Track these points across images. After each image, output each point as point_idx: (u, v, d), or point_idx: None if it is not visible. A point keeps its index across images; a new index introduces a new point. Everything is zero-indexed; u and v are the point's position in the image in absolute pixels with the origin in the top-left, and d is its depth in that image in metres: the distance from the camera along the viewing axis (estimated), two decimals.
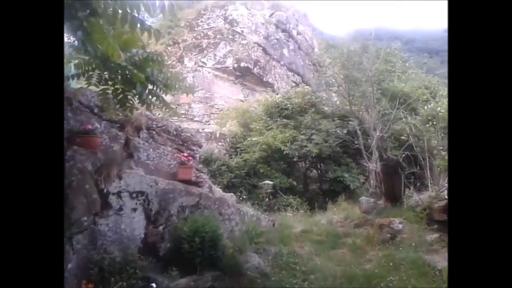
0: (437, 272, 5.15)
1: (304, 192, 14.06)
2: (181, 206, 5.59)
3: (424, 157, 10.46)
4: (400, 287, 4.97)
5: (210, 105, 20.13)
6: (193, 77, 19.94)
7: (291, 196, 12.81)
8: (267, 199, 12.03)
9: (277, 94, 18.25)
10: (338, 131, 13.86)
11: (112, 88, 4.76)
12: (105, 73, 4.61)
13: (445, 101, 12.13)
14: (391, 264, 5.71)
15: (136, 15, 3.61)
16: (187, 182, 5.99)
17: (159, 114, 9.13)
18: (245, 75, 20.77)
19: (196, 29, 22.44)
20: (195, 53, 21.16)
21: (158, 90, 4.86)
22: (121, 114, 5.44)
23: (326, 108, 15.99)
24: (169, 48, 21.77)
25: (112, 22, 3.91)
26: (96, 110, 5.44)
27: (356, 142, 12.68)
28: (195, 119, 19.56)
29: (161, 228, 5.29)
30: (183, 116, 19.03)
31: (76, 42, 4.09)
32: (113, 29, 4.05)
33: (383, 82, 14.59)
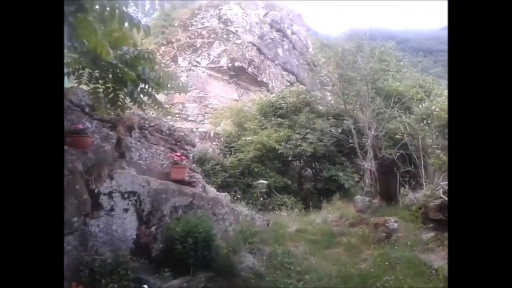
0: (434, 271, 5.09)
1: (298, 191, 14.05)
2: (174, 206, 5.51)
3: (418, 156, 10.44)
4: (396, 287, 4.92)
5: (204, 105, 20.06)
6: (187, 76, 19.86)
7: (285, 196, 12.79)
8: (261, 199, 12.00)
9: (271, 93, 18.23)
10: (332, 130, 13.83)
11: (103, 87, 4.68)
12: (96, 71, 4.54)
13: (440, 99, 12.14)
14: (386, 263, 5.66)
15: (125, 9, 3.53)
16: (180, 182, 5.91)
17: (152, 114, 9.05)
18: (239, 74, 20.73)
19: (190, 28, 22.36)
20: (189, 53, 21.08)
21: (150, 89, 4.79)
22: (112, 113, 5.36)
23: (320, 107, 15.96)
24: (163, 47, 21.66)
25: (102, 20, 3.83)
26: (87, 110, 5.33)
27: (350, 141, 12.65)
28: (189, 118, 19.48)
29: (153, 228, 5.20)
30: (177, 115, 18.95)
31: None
32: (104, 27, 3.98)
33: (378, 81, 14.56)
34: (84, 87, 4.92)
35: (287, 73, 23.81)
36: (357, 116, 14.26)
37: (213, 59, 20.55)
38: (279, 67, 23.26)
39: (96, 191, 4.73)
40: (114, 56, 3.96)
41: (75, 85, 4.83)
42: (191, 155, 6.79)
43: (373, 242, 6.88)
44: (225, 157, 14.24)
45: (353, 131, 12.54)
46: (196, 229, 4.91)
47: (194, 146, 7.03)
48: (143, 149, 5.87)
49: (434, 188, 7.64)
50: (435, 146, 9.87)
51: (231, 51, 20.48)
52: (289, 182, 13.74)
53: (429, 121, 11.00)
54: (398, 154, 11.20)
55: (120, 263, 4.39)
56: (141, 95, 4.71)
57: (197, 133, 16.55)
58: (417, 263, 5.44)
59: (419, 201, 7.49)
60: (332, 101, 16.73)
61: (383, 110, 12.90)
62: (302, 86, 17.99)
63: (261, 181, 12.23)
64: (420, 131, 11.01)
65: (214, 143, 15.95)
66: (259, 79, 21.05)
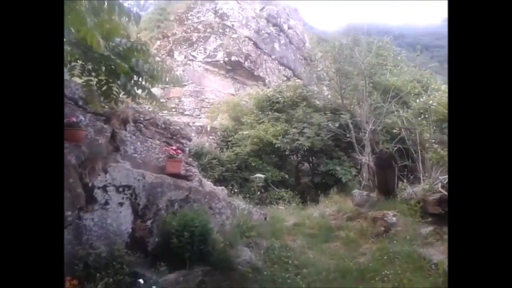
0: (433, 265, 5.04)
1: (296, 186, 14.02)
2: (169, 200, 5.44)
3: (416, 150, 10.42)
4: (395, 281, 4.87)
5: (201, 99, 19.94)
6: (183, 71, 19.70)
7: (283, 190, 12.78)
8: (258, 193, 11.96)
9: (268, 88, 18.12)
10: (330, 124, 13.82)
11: (96, 79, 4.59)
12: (89, 64, 4.44)
13: (437, 94, 12.12)
14: (385, 257, 5.61)
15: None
16: (176, 175, 5.83)
17: (148, 108, 8.96)
18: (236, 69, 20.62)
19: (186, 22, 22.18)
20: (185, 47, 20.93)
21: (144, 82, 4.69)
22: (106, 106, 5.27)
23: (317, 102, 15.92)
24: (159, 41, 21.51)
25: (94, 12, 3.74)
26: (80, 103, 5.23)
27: (348, 135, 12.63)
28: (186, 113, 19.37)
29: (149, 222, 5.13)
30: (173, 110, 18.85)
31: None
32: (96, 19, 3.88)
33: (375, 75, 14.55)
34: (77, 79, 4.82)
35: (283, 67, 23.71)
36: (354, 111, 14.24)
37: (209, 53, 20.42)
38: (276, 61, 23.16)
39: (90, 184, 4.65)
40: (106, 47, 3.87)
41: (68, 78, 4.73)
42: (187, 148, 6.70)
43: (371, 236, 6.84)
44: (222, 151, 14.16)
45: (350, 125, 12.53)
46: (192, 223, 4.84)
47: (190, 139, 6.94)
48: (138, 143, 5.78)
49: (433, 182, 7.60)
50: (433, 141, 9.85)
51: (227, 45, 20.35)
52: (287, 176, 13.69)
53: (426, 116, 11.01)
54: (395, 148, 11.19)
55: (115, 257, 4.33)
56: (135, 88, 4.60)
57: (194, 128, 16.46)
58: (416, 257, 5.38)
59: (417, 195, 7.44)
60: (329, 96, 16.70)
61: (380, 104, 12.88)
62: (299, 80, 17.88)
63: (258, 175, 12.18)
64: (417, 126, 11.00)
65: (210, 137, 15.87)
66: (255, 73, 20.95)
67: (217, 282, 4.84)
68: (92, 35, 3.42)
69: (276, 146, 13.40)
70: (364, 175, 10.60)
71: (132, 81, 4.57)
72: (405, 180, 9.64)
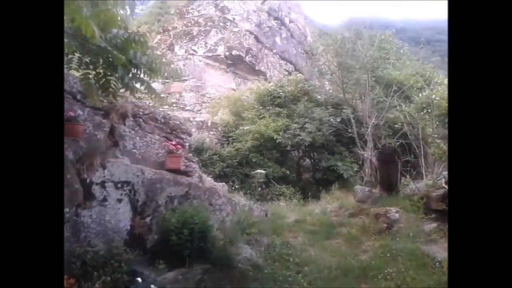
0: (437, 263, 4.94)
1: (297, 182, 13.93)
2: (169, 197, 5.35)
3: (418, 145, 10.32)
4: (398, 280, 4.78)
5: (202, 94, 19.79)
6: (183, 65, 19.54)
7: (284, 186, 12.71)
8: (259, 189, 11.88)
9: (269, 82, 17.99)
10: (331, 119, 13.71)
11: (94, 72, 4.48)
12: (86, 56, 4.34)
13: (440, 88, 12.01)
14: (388, 255, 5.53)
15: None
16: (176, 171, 5.73)
17: (149, 103, 8.86)
18: (237, 63, 20.46)
19: (186, 16, 21.99)
20: (186, 41, 20.76)
21: (142, 75, 4.58)
22: (105, 100, 5.18)
23: (319, 96, 15.81)
24: (159, 35, 21.36)
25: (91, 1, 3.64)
26: (79, 97, 5.14)
27: (349, 130, 12.53)
28: (187, 108, 19.24)
29: (148, 219, 5.05)
30: (174, 105, 18.74)
31: None
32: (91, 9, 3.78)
33: (377, 69, 14.44)
34: (75, 72, 4.72)
35: (285, 62, 23.52)
36: (356, 105, 14.14)
37: (210, 47, 20.25)
38: (277, 56, 22.98)
39: (88, 180, 4.56)
40: (103, 38, 3.76)
41: (66, 71, 4.62)
42: (187, 144, 6.61)
43: (373, 233, 6.74)
44: (223, 147, 14.06)
45: (352, 120, 12.42)
46: (192, 220, 4.76)
47: (190, 135, 6.85)
48: (137, 138, 5.69)
49: (436, 177, 7.50)
50: (435, 136, 9.76)
51: (228, 39, 20.19)
52: (288, 172, 13.60)
53: (429, 110, 10.90)
54: (397, 143, 11.09)
55: (113, 255, 4.25)
56: (133, 81, 4.49)
57: (194, 123, 16.37)
58: (419, 255, 5.29)
59: (420, 191, 7.35)
60: (331, 90, 16.60)
61: (383, 99, 12.78)
62: (300, 74, 17.75)
63: (259, 170, 12.10)
64: (420, 120, 10.90)
65: (211, 132, 15.78)
66: (257, 68, 20.79)
67: (217, 281, 4.77)
68: (86, 24, 3.32)
69: (277, 141, 13.31)
70: (366, 170, 10.51)
71: (130, 74, 4.46)
72: (407, 176, 9.54)
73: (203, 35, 20.67)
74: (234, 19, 21.18)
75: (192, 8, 22.11)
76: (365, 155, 10.75)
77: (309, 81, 16.73)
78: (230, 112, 16.63)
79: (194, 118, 17.40)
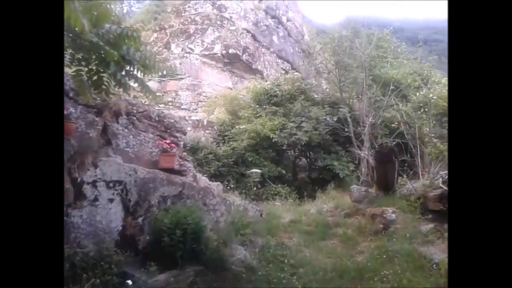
0: (434, 265, 4.85)
1: (293, 181, 13.89)
2: (162, 196, 5.26)
3: (415, 145, 10.25)
4: (395, 282, 4.70)
5: (198, 93, 19.70)
6: (180, 63, 19.46)
7: (279, 185, 12.64)
8: (255, 188, 11.80)
9: (266, 81, 17.90)
10: (328, 118, 13.65)
11: (86, 68, 4.38)
12: (79, 52, 4.23)
13: (437, 87, 11.96)
14: (384, 256, 5.43)
15: None
16: (170, 170, 5.64)
17: (145, 102, 8.75)
18: (233, 62, 20.39)
19: (183, 14, 21.89)
20: (182, 39, 20.66)
21: (136, 71, 4.47)
22: (98, 98, 5.08)
23: (316, 95, 15.74)
24: (156, 34, 21.24)
25: None
26: (71, 94, 5.03)
27: (346, 129, 12.46)
28: (183, 106, 19.13)
29: (140, 220, 4.96)
30: (170, 104, 18.64)
31: None
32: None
33: (375, 68, 14.39)
34: (67, 69, 4.61)
35: (282, 61, 23.50)
36: (353, 104, 14.08)
37: (207, 46, 20.16)
38: (274, 54, 22.94)
39: (79, 180, 4.48)
40: (95, 34, 3.65)
41: None
42: (181, 142, 6.51)
43: (370, 234, 6.65)
44: (218, 146, 13.96)
45: (349, 119, 12.34)
46: (185, 221, 4.66)
47: (184, 133, 6.74)
48: (131, 136, 5.59)
49: (433, 177, 7.43)
50: (432, 135, 9.70)
51: (225, 37, 20.10)
52: (284, 171, 13.53)
53: (426, 109, 10.85)
54: (394, 143, 11.02)
55: (103, 256, 4.17)
56: (126, 78, 4.38)
57: (190, 122, 16.27)
58: (416, 256, 5.20)
59: (417, 191, 7.27)
60: (328, 89, 16.54)
61: (380, 98, 12.72)
62: (297, 73, 17.70)
63: (254, 170, 12.02)
64: (417, 120, 10.84)
65: (207, 131, 15.69)
66: (253, 66, 20.73)
67: (210, 283, 4.66)
68: (76, 17, 3.21)
69: (273, 140, 13.23)
70: (363, 170, 10.43)
71: (124, 71, 4.36)
72: (404, 176, 9.47)
73: (200, 33, 20.59)
74: (231, 17, 21.10)
75: (189, 6, 22.02)
76: (362, 154, 10.66)
77: (306, 80, 16.69)
78: (226, 111, 16.56)
79: (190, 116, 17.30)
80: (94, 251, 4.19)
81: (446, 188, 6.51)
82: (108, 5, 3.61)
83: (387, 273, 4.87)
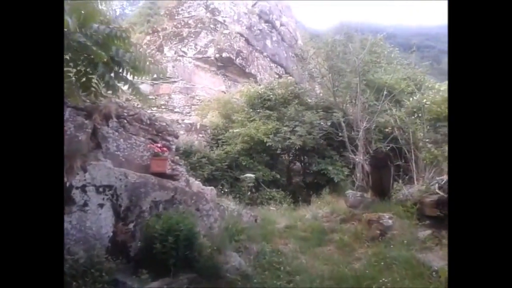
0: (434, 273, 4.75)
1: (287, 185, 13.78)
2: (154, 202, 5.12)
3: (409, 150, 10.19)
4: None
5: (191, 96, 19.54)
6: (173, 67, 19.33)
7: (274, 189, 12.52)
8: (249, 193, 11.66)
9: (259, 85, 17.81)
10: (322, 123, 13.60)
11: (74, 70, 4.24)
12: (67, 53, 4.09)
13: (431, 92, 11.93)
14: (382, 263, 5.32)
15: None
16: (161, 175, 5.50)
17: (137, 105, 8.60)
18: (227, 65, 20.29)
19: (176, 17, 21.76)
20: (175, 42, 20.50)
21: (125, 73, 4.35)
22: (88, 100, 4.94)
23: (309, 100, 15.68)
24: (148, 36, 21.09)
25: None
26: None
27: (340, 134, 12.39)
28: (176, 110, 18.96)
29: (131, 225, 4.83)
30: (163, 107, 18.48)
31: None
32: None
33: (368, 73, 14.35)
34: None
35: (275, 65, 23.43)
36: (346, 109, 14.04)
37: (200, 49, 20.03)
38: (268, 59, 22.87)
39: (68, 184, 4.36)
40: (82, 33, 3.52)
41: None
42: (173, 146, 6.36)
43: (366, 240, 6.53)
44: (212, 150, 13.83)
45: (343, 124, 12.27)
46: (177, 227, 4.55)
47: (176, 137, 6.60)
48: (121, 140, 5.45)
49: (429, 183, 7.35)
50: (426, 140, 9.65)
51: (218, 41, 20.00)
52: (278, 175, 13.42)
53: (420, 115, 10.80)
54: (388, 148, 10.95)
55: (94, 264, 4.06)
56: (116, 80, 4.26)
57: (183, 125, 16.12)
58: (415, 263, 5.09)
59: (413, 196, 7.19)
60: (321, 94, 16.49)
61: (373, 103, 12.68)
62: (291, 77, 17.62)
63: (248, 175, 11.87)
64: (410, 125, 10.78)
65: (200, 135, 15.56)
66: (247, 70, 20.63)
67: None
68: None
69: (267, 144, 13.11)
70: (358, 175, 10.34)
71: (113, 73, 4.23)
72: (400, 181, 9.40)
73: (193, 36, 20.46)
74: (224, 21, 21.02)
75: (182, 9, 21.90)
76: (357, 159, 10.58)
77: (300, 84, 16.60)
78: (220, 114, 16.42)
79: (183, 120, 17.15)
80: (84, 258, 4.10)
81: (442, 193, 6.44)
82: (95, 5, 3.49)
83: (385, 280, 4.76)
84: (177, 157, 6.70)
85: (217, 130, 15.45)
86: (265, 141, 13.11)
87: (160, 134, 6.08)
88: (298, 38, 27.65)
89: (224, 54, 19.70)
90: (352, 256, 6.08)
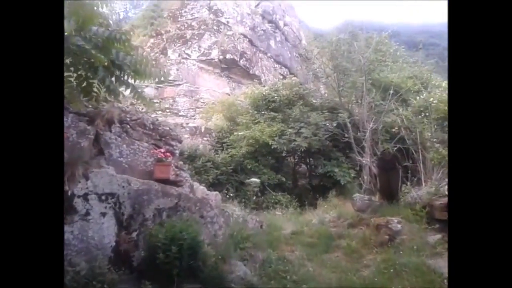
0: (445, 280, 4.59)
1: (293, 189, 13.62)
2: (157, 209, 5.01)
3: (416, 150, 10.01)
4: None
5: (195, 99, 19.45)
6: (177, 69, 19.26)
7: (280, 193, 12.36)
8: (254, 197, 11.52)
9: (264, 86, 17.68)
10: (327, 124, 13.43)
11: (75, 74, 4.15)
12: (68, 57, 4.00)
13: (438, 91, 11.74)
14: (391, 270, 5.17)
15: None
16: (165, 181, 5.39)
17: (142, 109, 8.50)
18: (231, 67, 20.20)
19: (179, 19, 21.70)
20: (179, 45, 20.43)
21: (126, 77, 4.24)
22: (90, 106, 4.85)
23: (314, 100, 15.53)
24: (152, 39, 21.02)
25: None
26: None
27: (346, 135, 12.22)
28: (180, 113, 18.87)
29: (134, 234, 4.73)
30: (167, 110, 18.40)
31: None
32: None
33: (374, 72, 14.19)
34: None
35: (279, 66, 23.32)
36: (352, 109, 13.88)
37: (204, 51, 19.95)
38: (272, 59, 22.76)
39: (69, 193, 4.28)
40: (81, 36, 3.41)
41: None
42: (177, 151, 6.25)
43: (375, 246, 6.36)
44: (217, 153, 13.72)
45: (349, 125, 12.10)
46: (181, 235, 4.43)
47: (180, 141, 6.49)
48: (124, 145, 5.35)
49: (438, 184, 7.18)
50: (434, 140, 9.49)
51: (222, 43, 19.92)
52: (283, 179, 13.25)
53: (427, 114, 10.63)
54: (395, 148, 10.79)
55: (96, 275, 3.97)
56: (117, 84, 4.15)
57: (188, 129, 16.02)
58: (425, 270, 4.94)
59: (422, 199, 7.02)
60: (326, 94, 16.35)
61: (379, 102, 12.51)
62: (295, 78, 17.47)
63: (253, 179, 11.72)
64: (418, 124, 10.62)
65: (205, 138, 15.45)
66: (251, 72, 20.53)
67: None
68: None
69: (272, 147, 12.97)
70: (365, 177, 10.16)
71: (114, 77, 4.12)
72: (408, 183, 9.22)
73: (197, 38, 20.38)
74: (228, 22, 20.94)
75: (185, 11, 21.83)
76: (364, 161, 10.41)
77: (304, 85, 16.46)
78: (224, 117, 16.33)
79: (188, 123, 17.06)
80: (86, 270, 4.01)
81: None
82: (94, 7, 3.39)
83: None
84: (181, 162, 6.59)
85: (221, 133, 15.35)
86: (270, 143, 12.98)
87: (163, 139, 5.98)
88: (302, 38, 27.53)
89: (228, 56, 19.63)
90: (361, 263, 5.93)
